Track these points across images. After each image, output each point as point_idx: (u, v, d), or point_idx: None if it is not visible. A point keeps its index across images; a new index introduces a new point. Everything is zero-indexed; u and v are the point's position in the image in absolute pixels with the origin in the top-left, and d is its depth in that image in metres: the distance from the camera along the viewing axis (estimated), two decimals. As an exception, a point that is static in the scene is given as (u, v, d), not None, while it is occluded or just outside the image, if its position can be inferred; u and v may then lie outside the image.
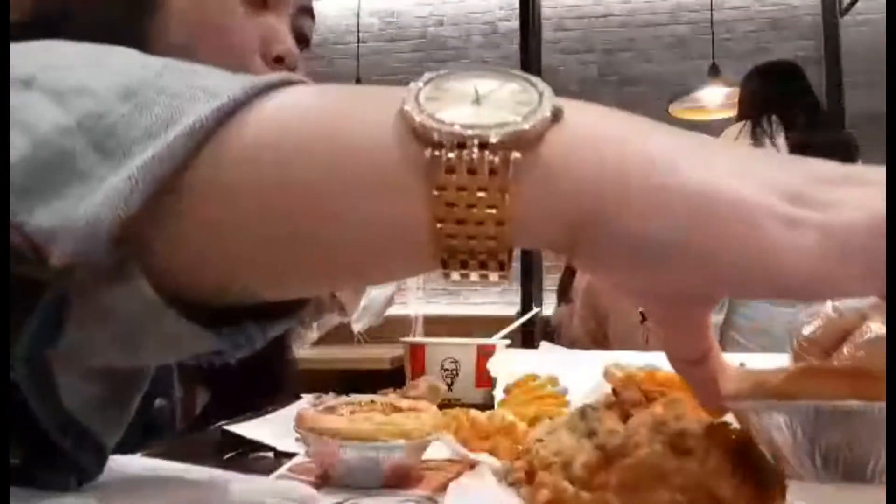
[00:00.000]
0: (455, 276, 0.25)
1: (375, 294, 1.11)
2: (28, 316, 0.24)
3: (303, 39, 0.66)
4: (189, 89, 0.25)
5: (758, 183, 0.23)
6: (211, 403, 0.67)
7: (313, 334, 1.05)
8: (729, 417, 0.34)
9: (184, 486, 0.34)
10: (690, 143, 0.25)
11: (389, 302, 1.17)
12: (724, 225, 0.22)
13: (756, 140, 2.26)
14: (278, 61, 0.60)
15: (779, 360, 0.74)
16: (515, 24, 4.00)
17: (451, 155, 0.23)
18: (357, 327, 1.13)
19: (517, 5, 3.92)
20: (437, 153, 0.23)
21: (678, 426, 0.33)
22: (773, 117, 2.26)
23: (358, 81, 3.54)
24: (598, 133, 0.25)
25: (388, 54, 4.24)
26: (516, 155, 0.23)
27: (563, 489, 0.33)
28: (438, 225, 0.24)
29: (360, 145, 0.25)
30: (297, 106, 0.26)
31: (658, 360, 0.64)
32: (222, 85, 0.26)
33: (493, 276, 0.25)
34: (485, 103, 0.25)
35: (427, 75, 0.26)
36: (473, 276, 0.25)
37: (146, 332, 0.26)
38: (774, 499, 0.32)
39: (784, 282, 0.22)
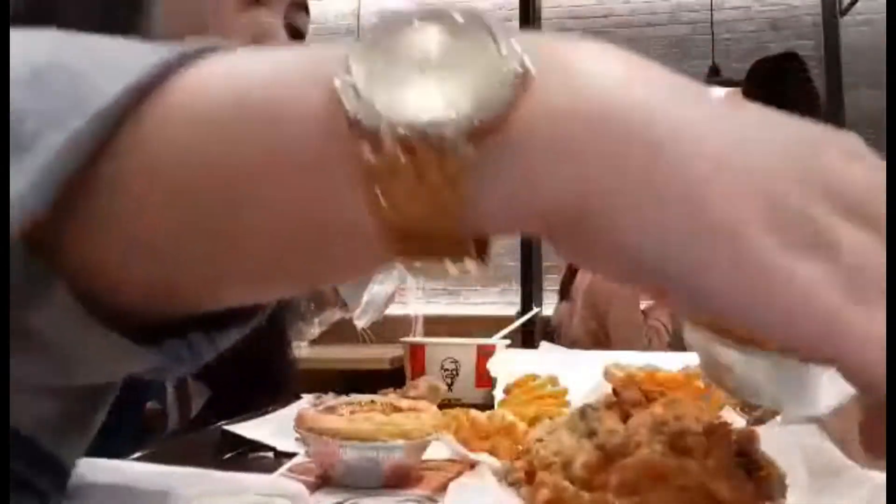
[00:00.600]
0: (417, 265, 0.21)
1: (378, 289, 1.11)
2: None
3: (297, 34, 0.65)
4: (98, 66, 0.22)
5: (766, 206, 0.19)
6: (210, 403, 0.67)
7: (314, 330, 1.04)
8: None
9: (174, 489, 0.33)
10: (712, 126, 0.21)
11: (392, 297, 1.16)
12: (715, 256, 0.19)
13: None
14: None
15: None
16: (515, 24, 4.00)
17: (397, 158, 0.19)
18: (360, 324, 1.13)
19: (517, 5, 3.92)
20: (378, 156, 0.19)
21: (678, 426, 0.33)
22: None
23: (358, 81, 3.54)
24: (580, 105, 0.20)
25: (388, 54, 4.24)
26: (473, 156, 0.19)
27: (564, 489, 0.33)
28: (385, 220, 0.20)
29: (289, 124, 0.21)
30: (219, 80, 0.23)
31: (658, 360, 0.64)
32: (133, 59, 0.22)
33: (458, 269, 0.21)
34: (434, 70, 0.20)
35: (365, 32, 0.21)
36: (436, 270, 0.21)
37: (72, 350, 0.23)
38: (774, 498, 0.32)
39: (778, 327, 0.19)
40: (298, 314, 0.95)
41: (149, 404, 0.57)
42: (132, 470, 0.35)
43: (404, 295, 3.35)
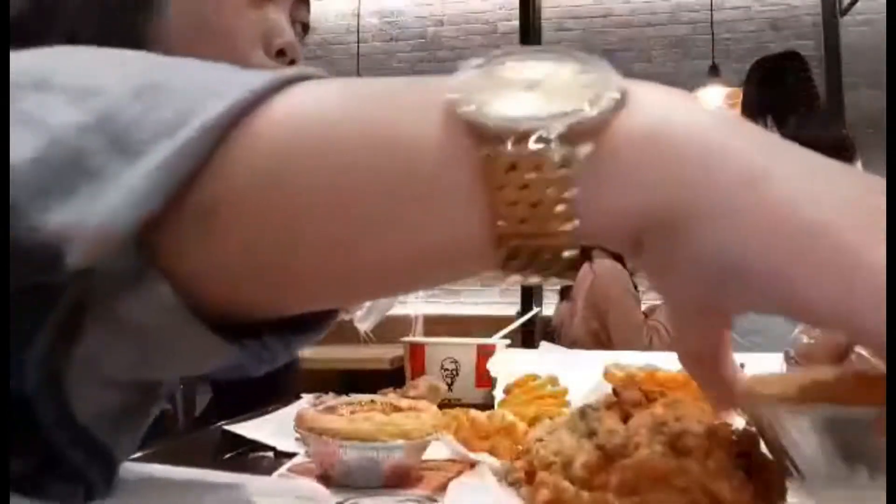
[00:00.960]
0: (515, 277, 0.23)
1: None
2: (41, 324, 0.23)
3: (302, 29, 0.66)
4: (203, 86, 0.24)
5: (846, 207, 0.21)
6: (213, 404, 0.67)
7: None
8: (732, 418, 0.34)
9: (200, 491, 0.33)
10: (784, 150, 0.22)
11: (393, 301, 1.16)
12: (817, 260, 0.20)
13: None
14: (280, 54, 0.60)
15: (775, 360, 0.74)
16: (515, 24, 4.00)
17: (510, 151, 0.21)
18: (363, 327, 1.12)
19: (517, 5, 3.92)
20: (493, 150, 0.21)
21: (679, 426, 0.33)
22: (769, 120, 2.27)
23: (358, 81, 3.54)
24: (673, 121, 0.22)
25: (388, 54, 4.24)
26: (584, 148, 0.21)
27: (564, 489, 0.33)
28: (499, 223, 0.21)
29: (402, 143, 0.23)
30: (324, 101, 0.24)
31: (658, 360, 0.64)
32: (238, 80, 0.24)
33: (556, 277, 0.22)
34: (541, 90, 0.22)
35: (473, 61, 0.23)
36: (535, 278, 0.23)
37: (167, 344, 0.24)
38: (775, 499, 0.32)
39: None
40: None
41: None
42: (156, 471, 0.35)
43: (404, 295, 3.35)
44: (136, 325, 0.23)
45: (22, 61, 0.25)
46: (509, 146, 0.21)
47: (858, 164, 2.24)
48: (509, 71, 0.23)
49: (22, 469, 0.26)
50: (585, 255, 2.77)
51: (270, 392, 0.69)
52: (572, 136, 0.21)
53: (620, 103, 0.22)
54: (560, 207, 0.21)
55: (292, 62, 0.61)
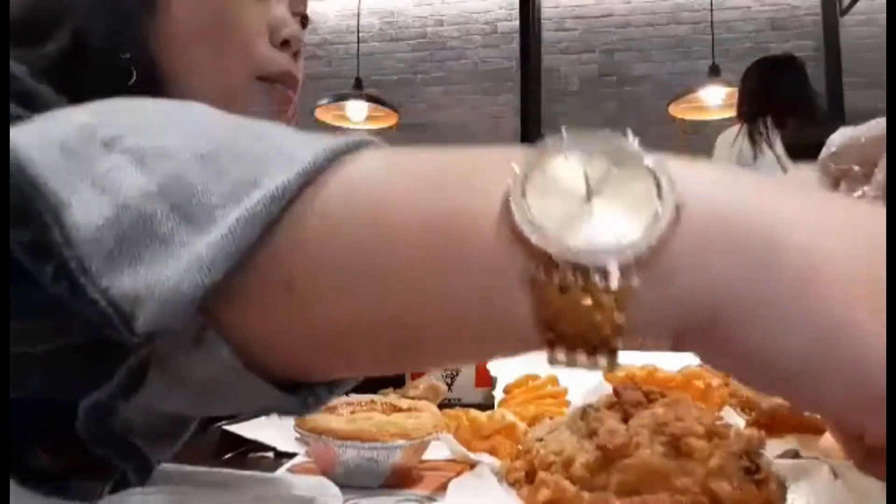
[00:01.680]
0: (561, 357, 0.23)
1: None
2: (107, 376, 0.24)
3: (301, 21, 0.67)
4: (266, 152, 0.25)
5: (874, 305, 0.20)
6: None
7: None
8: None
9: (224, 489, 0.33)
10: (836, 246, 0.21)
11: None
12: (834, 356, 0.20)
13: (753, 143, 2.27)
14: (284, 45, 0.61)
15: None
16: (515, 24, 4.00)
17: (566, 278, 0.21)
18: None
19: (517, 5, 3.92)
20: (548, 273, 0.21)
21: (679, 427, 0.33)
22: (769, 120, 2.28)
23: (358, 81, 3.54)
24: (728, 215, 0.21)
25: (388, 54, 4.24)
26: (636, 282, 0.21)
27: (564, 489, 0.33)
28: (546, 332, 0.22)
29: (459, 237, 0.23)
30: (382, 176, 0.25)
31: (658, 360, 0.64)
32: (300, 147, 0.25)
33: (602, 361, 0.22)
34: (598, 200, 0.22)
35: (530, 154, 0.23)
36: (581, 361, 0.22)
37: (223, 392, 0.26)
38: (774, 500, 0.32)
39: None
40: None
41: None
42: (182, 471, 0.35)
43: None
44: (193, 380, 0.24)
45: (86, 116, 0.25)
46: (565, 274, 0.21)
47: None
48: (567, 173, 0.22)
49: (48, 466, 0.26)
50: None
51: None
52: (629, 269, 0.21)
53: (676, 219, 0.21)
54: (609, 329, 0.21)
55: (296, 54, 0.62)
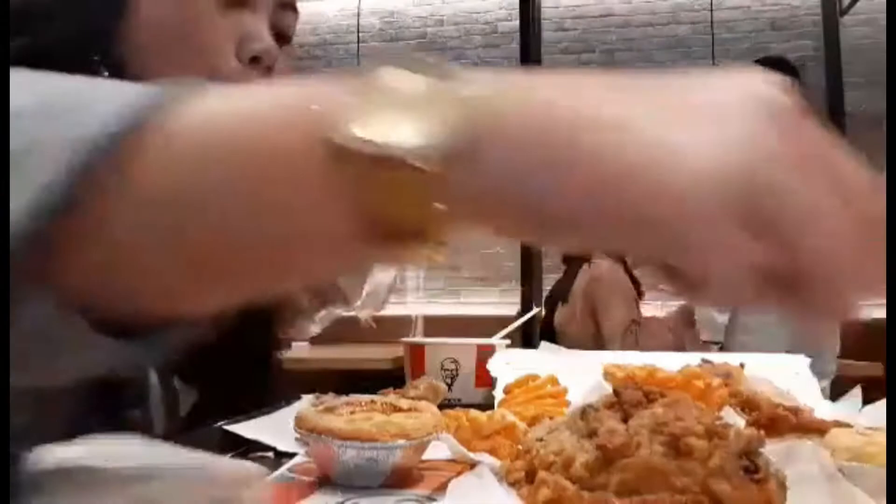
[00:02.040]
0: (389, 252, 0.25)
1: (378, 280, 1.10)
2: None
3: (283, 37, 0.64)
4: (86, 105, 0.26)
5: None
6: (198, 405, 0.66)
7: (315, 327, 1.03)
8: None
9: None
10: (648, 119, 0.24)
11: (392, 287, 1.15)
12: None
13: None
14: (254, 61, 0.59)
15: (775, 360, 0.74)
16: (515, 24, 4.00)
17: (377, 174, 0.23)
18: (362, 315, 1.12)
19: (517, 5, 3.91)
20: (362, 173, 0.23)
21: (679, 427, 0.33)
22: None
23: (358, 81, 3.54)
24: (526, 126, 0.25)
25: (387, 54, 4.24)
26: (443, 175, 0.23)
27: (564, 488, 0.33)
28: (368, 217, 0.24)
29: (283, 156, 0.25)
30: (216, 115, 0.26)
31: (658, 361, 0.64)
32: (121, 96, 0.26)
33: (426, 251, 0.25)
34: (412, 109, 0.25)
35: (351, 72, 0.26)
36: (406, 254, 0.25)
37: (55, 345, 0.26)
38: (774, 499, 0.32)
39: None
40: (299, 312, 0.93)
41: (130, 412, 0.57)
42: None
43: (404, 295, 3.35)
44: (29, 331, 0.25)
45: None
46: (377, 170, 0.23)
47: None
48: (385, 85, 0.25)
49: None
50: (584, 256, 2.80)
51: (258, 391, 0.68)
52: (437, 154, 0.23)
53: (481, 123, 0.24)
54: (427, 214, 0.24)
55: (269, 69, 0.60)
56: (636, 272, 2.84)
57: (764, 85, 0.25)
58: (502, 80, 0.26)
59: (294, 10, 0.65)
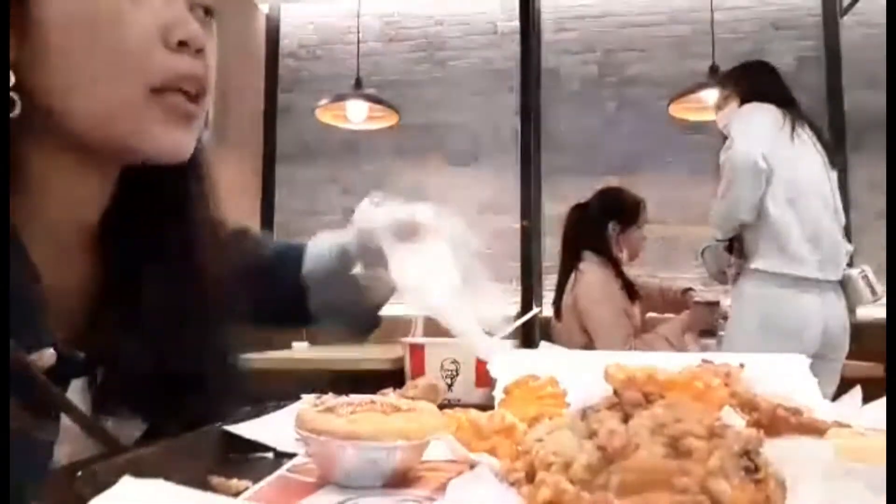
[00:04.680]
0: None
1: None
2: None
3: (208, 12, 0.61)
4: None
5: None
6: (150, 431, 0.62)
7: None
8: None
9: None
10: None
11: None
12: None
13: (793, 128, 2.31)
14: (182, 45, 0.56)
15: (772, 360, 0.74)
16: (515, 24, 4.00)
17: None
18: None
19: (517, 5, 3.91)
20: None
21: (679, 427, 0.33)
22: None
23: (358, 81, 3.54)
24: None
25: (388, 54, 4.24)
26: None
27: (564, 489, 0.33)
28: None
29: None
30: None
31: (659, 361, 0.64)
32: None
33: None
34: None
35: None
36: None
37: None
38: (774, 499, 0.31)
39: None
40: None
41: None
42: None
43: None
44: None
45: None
46: None
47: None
48: None
49: None
50: (575, 257, 2.75)
51: (213, 401, 0.64)
52: None
53: None
54: None
55: (199, 52, 0.57)
56: (629, 274, 2.80)
57: None
58: None
59: None
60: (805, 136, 2.29)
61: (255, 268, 0.82)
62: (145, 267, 0.62)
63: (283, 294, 0.84)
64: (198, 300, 0.64)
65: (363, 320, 0.83)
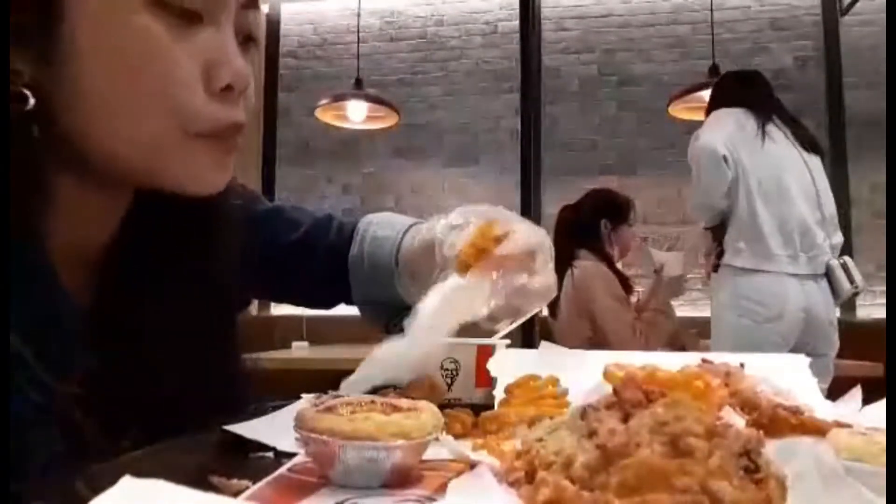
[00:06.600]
0: None
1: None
2: None
3: (250, 39, 0.57)
4: None
5: None
6: (144, 428, 0.61)
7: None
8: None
9: None
10: None
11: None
12: None
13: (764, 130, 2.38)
14: (227, 90, 0.53)
15: (770, 360, 0.74)
16: (515, 24, 4.00)
17: None
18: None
19: (517, 5, 3.91)
20: None
21: (679, 427, 0.33)
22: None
23: (358, 81, 3.54)
24: None
25: (388, 54, 4.24)
26: None
27: (564, 489, 0.33)
28: None
29: None
30: None
31: (659, 360, 0.64)
32: None
33: None
34: None
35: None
36: None
37: None
38: (775, 499, 0.31)
39: None
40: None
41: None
42: None
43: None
44: None
45: None
46: None
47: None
48: None
49: None
50: (570, 256, 2.78)
51: (222, 405, 0.63)
52: None
53: None
54: None
55: (241, 93, 0.54)
56: (622, 268, 2.85)
57: None
58: None
59: (256, 5, 0.57)
60: (779, 135, 2.37)
61: (287, 245, 0.84)
62: (162, 285, 0.61)
63: (321, 267, 0.85)
64: (213, 315, 0.64)
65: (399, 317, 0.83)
